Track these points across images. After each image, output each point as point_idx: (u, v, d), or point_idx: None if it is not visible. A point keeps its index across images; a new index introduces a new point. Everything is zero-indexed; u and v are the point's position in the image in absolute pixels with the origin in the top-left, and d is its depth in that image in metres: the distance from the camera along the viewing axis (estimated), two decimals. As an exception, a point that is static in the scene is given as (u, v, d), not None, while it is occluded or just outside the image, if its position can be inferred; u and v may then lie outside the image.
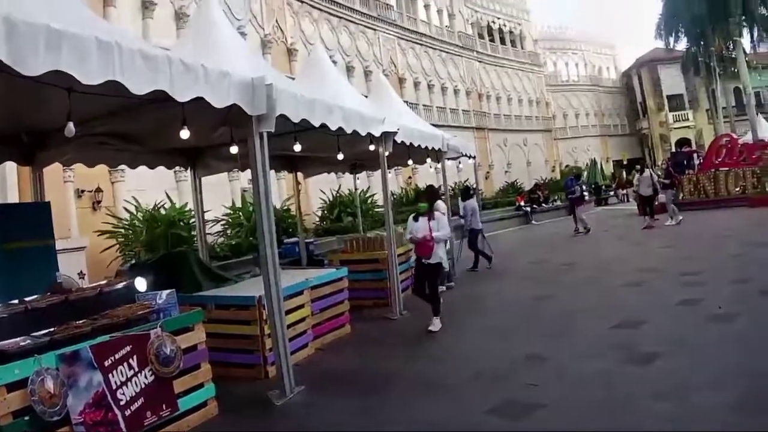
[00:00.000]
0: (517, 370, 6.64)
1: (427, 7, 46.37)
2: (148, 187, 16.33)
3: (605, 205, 39.12)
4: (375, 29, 38.47)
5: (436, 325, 8.78)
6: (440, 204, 11.87)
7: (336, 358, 8.06)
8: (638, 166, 31.10)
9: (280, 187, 24.29)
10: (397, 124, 10.26)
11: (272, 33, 28.81)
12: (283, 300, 6.59)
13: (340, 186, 22.52)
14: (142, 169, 9.74)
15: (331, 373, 7.38)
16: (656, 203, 22.30)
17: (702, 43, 43.50)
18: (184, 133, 6.04)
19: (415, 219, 9.07)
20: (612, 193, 42.65)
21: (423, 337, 8.66)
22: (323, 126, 7.52)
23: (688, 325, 7.70)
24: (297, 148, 8.55)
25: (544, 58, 62.83)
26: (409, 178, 34.62)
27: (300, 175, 13.89)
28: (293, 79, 11.73)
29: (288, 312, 7.21)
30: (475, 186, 20.23)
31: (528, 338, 8.05)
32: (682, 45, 46.26)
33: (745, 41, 41.82)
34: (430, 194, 11.01)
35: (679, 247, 15.38)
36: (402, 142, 10.73)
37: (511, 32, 57.62)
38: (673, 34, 43.90)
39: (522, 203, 32.18)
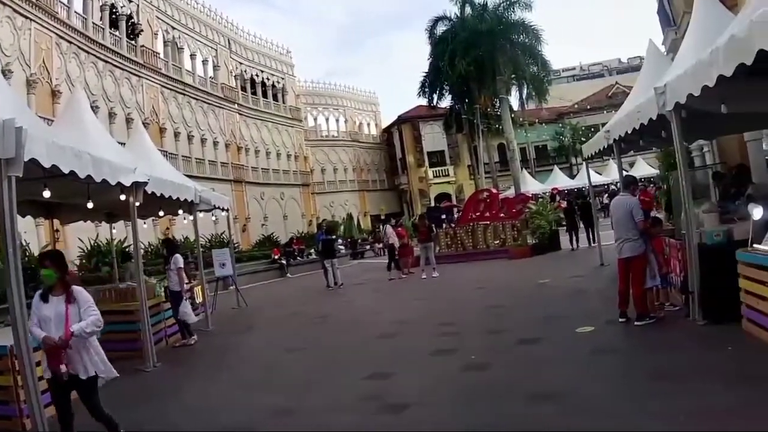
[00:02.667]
0: (265, 424, 7.14)
1: (193, 56, 48.17)
2: None
3: (361, 258, 41.53)
4: (139, 76, 39.65)
5: None
6: (179, 258, 12.99)
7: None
8: (393, 220, 33.74)
9: (38, 233, 24.07)
10: (150, 174, 10.94)
11: (38, 73, 29.69)
12: (33, 351, 6.71)
13: (97, 235, 22.76)
14: None
15: (85, 425, 7.51)
16: (413, 257, 24.64)
17: (467, 100, 48.11)
18: None
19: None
20: (368, 247, 45.40)
21: (175, 389, 9.18)
22: (73, 173, 7.92)
23: (440, 375, 8.48)
24: (46, 194, 8.79)
25: (306, 113, 66.85)
26: (167, 229, 34.61)
27: (56, 221, 13.98)
28: (52, 121, 11.94)
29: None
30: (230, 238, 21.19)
31: (278, 391, 8.63)
32: (446, 102, 51.22)
33: (515, 98, 47.28)
34: (170, 246, 11.48)
35: (436, 299, 16.78)
36: (152, 192, 11.35)
37: (274, 86, 61.00)
38: (437, 92, 48.35)
39: (278, 256, 33.99)
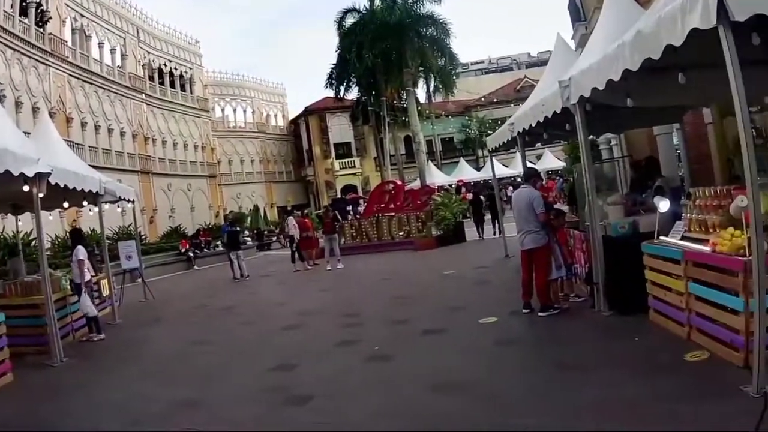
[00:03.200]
0: (173, 416, 7.03)
1: (101, 45, 46.75)
2: None
3: (268, 250, 41.15)
4: (47, 64, 38.46)
5: None
6: (80, 249, 12.59)
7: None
8: (296, 212, 33.63)
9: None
10: (54, 165, 10.63)
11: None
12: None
13: (3, 227, 22.20)
14: None
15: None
16: (317, 248, 24.57)
17: (374, 92, 48.23)
18: None
19: None
20: (275, 238, 45.11)
21: (82, 384, 8.98)
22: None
23: (345, 366, 8.49)
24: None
25: (213, 104, 66.03)
26: (74, 221, 33.48)
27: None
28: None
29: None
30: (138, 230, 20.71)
31: (184, 383, 8.56)
32: (353, 94, 51.19)
33: (422, 91, 47.57)
34: (75, 237, 11.16)
35: (340, 290, 16.88)
36: (56, 183, 11.06)
37: (182, 76, 59.91)
38: (345, 84, 48.26)
39: (186, 248, 33.45)
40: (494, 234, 24.62)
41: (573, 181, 14.79)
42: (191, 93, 61.56)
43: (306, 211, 45.13)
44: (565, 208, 13.97)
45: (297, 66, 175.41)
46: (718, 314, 6.46)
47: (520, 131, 13.07)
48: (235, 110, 70.29)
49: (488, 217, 27.22)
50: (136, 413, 7.30)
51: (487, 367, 7.71)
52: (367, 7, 44.54)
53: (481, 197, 29.81)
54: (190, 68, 61.69)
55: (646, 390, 5.95)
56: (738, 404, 5.17)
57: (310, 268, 23.57)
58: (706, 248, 6.72)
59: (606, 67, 7.55)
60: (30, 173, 9.52)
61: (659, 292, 7.99)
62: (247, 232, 39.65)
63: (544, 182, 38.14)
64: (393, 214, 28.05)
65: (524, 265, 10.31)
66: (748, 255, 5.69)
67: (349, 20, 45.73)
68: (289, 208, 47.24)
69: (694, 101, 11.73)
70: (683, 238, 7.64)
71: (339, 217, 27.17)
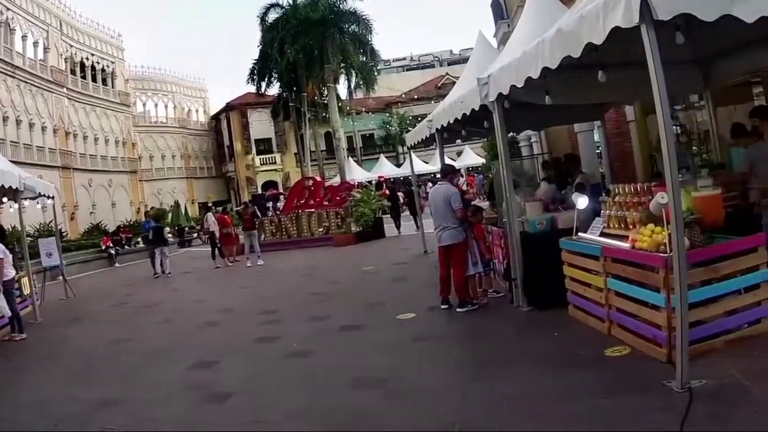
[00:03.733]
0: (95, 415, 6.88)
1: (24, 38, 45.25)
2: None
3: (189, 246, 40.46)
4: None
5: None
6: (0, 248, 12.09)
7: None
8: (215, 208, 33.15)
9: None
10: None
11: None
12: None
13: None
14: None
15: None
16: (237, 245, 24.29)
17: (295, 88, 47.84)
18: None
19: None
20: (195, 235, 44.43)
21: (4, 384, 8.83)
22: None
23: (264, 363, 8.47)
24: None
25: (135, 98, 64.28)
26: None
27: None
28: None
29: None
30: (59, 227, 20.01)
31: (105, 382, 8.37)
32: (274, 90, 50.65)
33: (343, 87, 47.38)
34: None
35: (260, 287, 16.68)
36: None
37: (103, 70, 58.24)
38: (266, 80, 47.72)
39: (107, 245, 33.06)
40: (416, 230, 24.67)
41: (492, 178, 14.82)
42: (113, 87, 59.87)
43: (226, 207, 44.55)
44: (485, 204, 14.00)
45: (221, 61, 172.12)
46: (638, 310, 6.49)
47: (439, 128, 13.05)
48: (156, 105, 68.66)
49: (407, 213, 27.24)
50: (58, 413, 7.12)
51: (406, 363, 7.67)
52: (291, 2, 44.11)
53: (398, 193, 29.87)
54: (113, 62, 60.00)
55: (566, 385, 5.96)
56: (662, 399, 5.18)
57: (230, 264, 23.23)
58: (626, 245, 6.76)
59: (526, 64, 7.54)
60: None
61: (578, 288, 8.01)
62: (168, 229, 38.78)
63: (463, 178, 38.57)
64: (313, 210, 27.84)
65: (442, 261, 10.28)
66: (668, 251, 5.72)
67: (273, 15, 45.24)
68: (209, 205, 46.64)
69: (616, 99, 11.92)
70: (602, 234, 7.68)
71: (258, 213, 26.83)
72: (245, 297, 15.06)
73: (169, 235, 35.72)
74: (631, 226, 7.01)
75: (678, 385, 5.25)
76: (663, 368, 5.77)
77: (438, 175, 32.05)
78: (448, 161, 13.99)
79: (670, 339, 5.79)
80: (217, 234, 23.98)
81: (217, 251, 24.03)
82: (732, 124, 8.41)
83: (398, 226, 27.16)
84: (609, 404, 5.33)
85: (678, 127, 14.31)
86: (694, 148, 14.07)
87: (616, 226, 7.43)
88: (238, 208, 38.80)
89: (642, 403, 5.21)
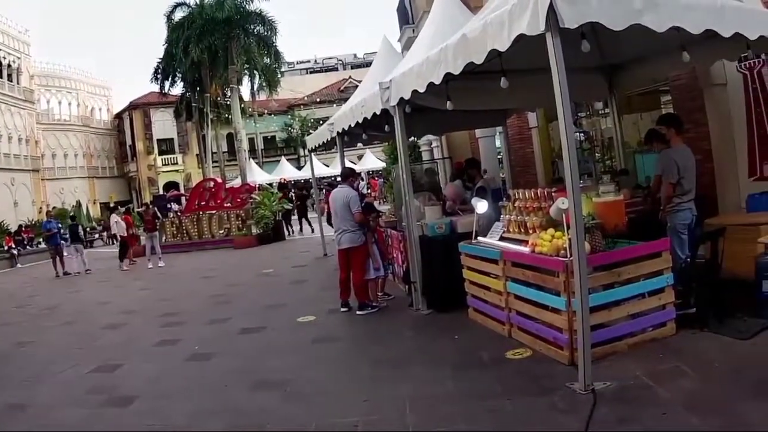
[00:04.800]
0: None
1: None
2: None
3: (91, 247, 38.95)
4: None
5: None
6: None
7: None
8: (120, 208, 32.16)
9: None
10: None
11: None
12: None
13: None
14: None
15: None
16: (138, 246, 23.77)
17: (198, 88, 46.73)
18: None
19: None
20: (97, 235, 42.99)
21: None
22: None
23: (167, 366, 8.32)
24: None
25: (39, 95, 61.23)
26: None
27: None
28: None
29: None
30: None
31: (8, 386, 8.11)
32: (178, 90, 49.31)
33: (246, 88, 46.55)
34: None
35: (161, 289, 16.23)
36: None
37: (9, 65, 55.13)
38: (170, 79, 46.47)
39: (9, 245, 32.23)
40: (311, 232, 24.59)
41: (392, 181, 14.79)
42: (18, 83, 56.75)
43: (129, 207, 43.30)
44: (386, 207, 13.93)
45: (128, 59, 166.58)
46: (539, 313, 6.51)
47: (340, 131, 12.92)
48: (60, 103, 65.24)
49: (314, 215, 27.08)
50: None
51: (307, 364, 7.60)
52: (197, 1, 43.09)
53: (291, 194, 29.88)
54: (18, 57, 56.90)
55: (468, 386, 5.95)
56: (566, 401, 5.20)
57: (131, 265, 22.62)
58: (526, 249, 6.76)
59: (428, 70, 7.51)
60: None
61: (478, 291, 8.01)
62: (80, 228, 37.54)
63: (364, 182, 38.53)
64: (213, 211, 27.35)
65: (342, 264, 10.20)
66: (569, 256, 5.72)
67: (179, 14, 43.99)
68: (111, 205, 45.12)
69: (519, 105, 12.08)
70: (502, 238, 7.69)
71: (159, 215, 26.01)
72: (147, 299, 14.72)
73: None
74: (531, 231, 7.02)
75: (581, 386, 5.26)
76: (565, 370, 5.82)
77: (338, 178, 31.94)
78: (349, 164, 13.82)
79: (572, 341, 5.83)
80: (123, 235, 23.24)
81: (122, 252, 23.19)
82: (648, 130, 8.57)
83: (290, 228, 27.44)
84: (512, 406, 5.32)
85: (581, 134, 14.66)
86: (597, 154, 14.42)
87: (516, 230, 7.43)
88: (140, 209, 37.64)
89: (545, 405, 5.21)
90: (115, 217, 24.54)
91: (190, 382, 7.46)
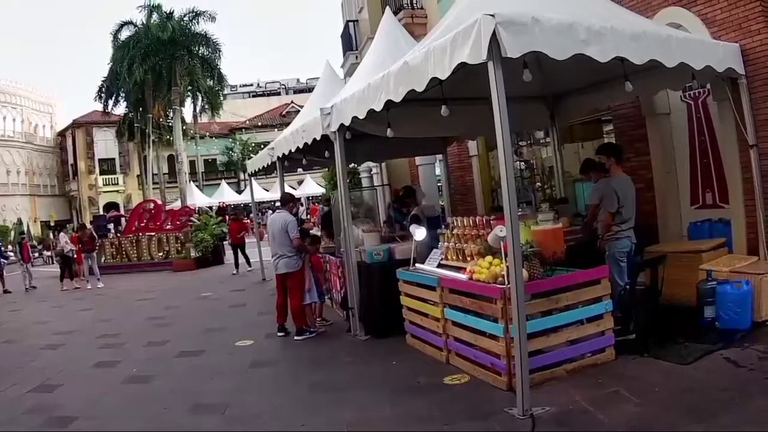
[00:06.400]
0: None
1: None
2: None
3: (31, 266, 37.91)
4: None
5: None
6: None
7: None
8: (67, 227, 31.24)
9: None
10: None
11: None
12: None
13: None
14: None
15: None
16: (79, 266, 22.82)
17: (141, 109, 46.05)
18: None
19: None
20: (38, 254, 41.81)
21: None
22: None
23: (105, 387, 8.10)
24: None
25: None
26: None
27: None
28: None
29: None
30: None
31: None
32: (121, 109, 48.48)
33: (189, 110, 45.99)
34: None
35: (101, 309, 15.87)
36: None
37: None
38: (114, 98, 45.67)
39: None
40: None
41: (330, 208, 14.62)
42: (-37, 97, 54.75)
43: (82, 225, 42.28)
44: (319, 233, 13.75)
45: (73, 77, 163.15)
46: (476, 339, 6.43)
47: (280, 156, 12.77)
48: (5, 118, 62.75)
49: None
50: None
51: (245, 388, 7.50)
52: (144, 21, 42.52)
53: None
54: (-35, 70, 54.99)
55: (406, 411, 5.88)
56: (504, 426, 5.17)
57: (68, 288, 21.52)
58: (463, 276, 6.69)
59: (369, 96, 7.49)
60: None
61: (415, 317, 7.91)
62: (10, 247, 36.24)
63: (303, 207, 38.28)
64: (153, 233, 26.82)
65: (279, 288, 10.09)
66: (506, 283, 5.66)
67: (125, 33, 43.35)
68: (52, 224, 43.82)
69: (459, 133, 12.09)
70: (440, 265, 7.62)
71: (95, 235, 25.25)
72: (85, 320, 14.34)
73: (11, 254, 33.60)
74: (469, 258, 6.97)
75: (520, 411, 5.20)
76: (504, 396, 5.76)
77: (277, 203, 31.63)
78: (289, 190, 13.66)
79: (510, 367, 5.77)
80: (72, 254, 22.51)
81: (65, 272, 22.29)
82: (584, 160, 8.62)
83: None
84: (450, 430, 5.26)
85: (522, 163, 14.74)
86: (537, 183, 14.52)
87: (454, 257, 7.38)
88: (75, 231, 36.76)
89: (484, 430, 5.16)
90: (64, 236, 23.87)
91: (130, 403, 7.32)
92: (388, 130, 8.03)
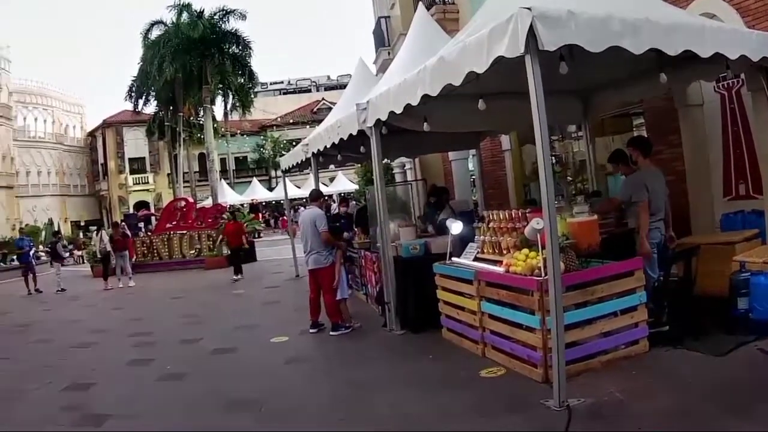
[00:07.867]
0: None
1: None
2: None
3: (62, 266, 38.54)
4: None
5: None
6: None
7: None
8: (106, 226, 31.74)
9: None
10: None
11: None
12: None
13: None
14: None
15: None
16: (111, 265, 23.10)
17: (172, 107, 46.52)
18: None
19: None
20: (68, 254, 42.50)
21: None
22: None
23: (138, 385, 8.17)
24: None
25: (16, 112, 60.31)
26: None
27: None
28: None
29: None
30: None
31: None
32: (151, 108, 49.03)
33: (219, 108, 46.35)
34: None
35: (132, 308, 16.02)
36: None
37: None
38: (144, 97, 46.20)
39: None
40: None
41: (365, 203, 14.76)
42: (-3, 99, 55.95)
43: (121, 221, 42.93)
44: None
45: (102, 77, 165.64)
46: (512, 332, 6.54)
47: (315, 152, 12.91)
48: (36, 119, 64.31)
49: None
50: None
51: (279, 385, 7.51)
52: (174, 20, 42.93)
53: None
54: (-2, 74, 56.05)
55: (444, 405, 5.94)
56: (541, 418, 5.23)
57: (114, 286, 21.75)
58: (500, 269, 6.80)
59: (405, 91, 7.56)
60: None
61: (452, 311, 8.02)
62: (41, 247, 37.04)
63: (335, 204, 38.49)
64: (184, 231, 27.12)
65: (311, 284, 10.17)
66: (543, 275, 5.78)
67: (156, 32, 43.80)
68: (82, 224, 44.45)
69: (494, 128, 12.13)
70: (476, 259, 7.73)
71: (128, 233, 25.58)
72: (118, 318, 14.51)
73: (42, 254, 34.15)
74: (505, 251, 7.08)
75: (556, 403, 5.29)
76: (540, 388, 5.84)
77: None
78: (321, 186, 13.81)
79: (546, 359, 5.87)
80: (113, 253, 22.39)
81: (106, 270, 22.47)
82: (614, 150, 8.66)
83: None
84: (488, 423, 5.33)
85: (553, 157, 14.78)
86: (569, 177, 14.54)
87: (491, 251, 7.49)
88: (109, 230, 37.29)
89: (521, 422, 5.24)
90: (105, 236, 23.62)
91: (163, 401, 7.36)
92: (425, 124, 8.16)
